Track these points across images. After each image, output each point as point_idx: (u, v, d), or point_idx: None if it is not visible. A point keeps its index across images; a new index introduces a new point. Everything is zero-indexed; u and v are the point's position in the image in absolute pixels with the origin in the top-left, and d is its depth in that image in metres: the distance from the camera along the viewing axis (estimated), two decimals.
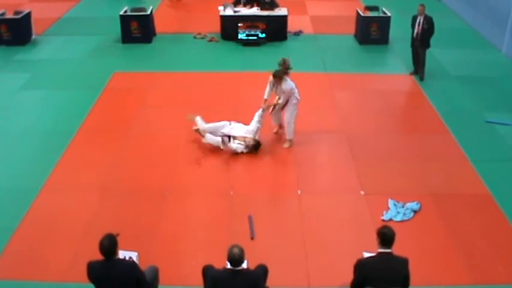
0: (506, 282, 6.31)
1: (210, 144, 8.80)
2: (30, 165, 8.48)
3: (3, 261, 6.55)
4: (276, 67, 8.83)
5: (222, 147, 8.73)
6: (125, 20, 13.53)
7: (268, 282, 5.45)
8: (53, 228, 7.11)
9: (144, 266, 5.52)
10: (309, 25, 15.07)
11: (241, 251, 4.99)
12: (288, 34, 14.07)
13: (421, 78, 11.55)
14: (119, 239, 5.16)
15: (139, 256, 5.74)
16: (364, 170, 8.40)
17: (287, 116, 8.94)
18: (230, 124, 9.00)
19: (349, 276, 5.43)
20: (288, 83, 8.70)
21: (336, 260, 6.58)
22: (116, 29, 13.79)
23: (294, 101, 8.79)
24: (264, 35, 13.56)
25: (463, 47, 13.55)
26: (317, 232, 7.07)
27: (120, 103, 10.53)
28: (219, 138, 8.75)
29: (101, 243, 5.01)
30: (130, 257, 5.60)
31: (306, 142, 9.15)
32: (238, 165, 8.57)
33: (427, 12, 11.21)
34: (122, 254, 5.36)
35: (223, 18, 13.93)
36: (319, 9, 16.60)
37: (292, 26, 14.23)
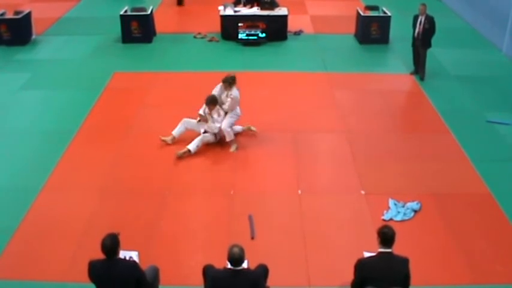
0: (506, 282, 6.30)
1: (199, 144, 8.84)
2: (30, 165, 8.48)
3: (3, 261, 6.54)
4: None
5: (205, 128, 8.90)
6: (125, 19, 13.53)
7: (269, 282, 5.45)
8: (53, 228, 7.10)
9: (144, 266, 5.51)
10: (309, 25, 15.07)
11: (242, 250, 4.98)
12: (288, 34, 14.07)
13: (422, 78, 11.55)
14: (119, 238, 5.16)
15: (139, 255, 5.74)
16: (364, 169, 8.39)
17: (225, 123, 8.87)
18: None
19: (349, 275, 5.43)
20: (235, 91, 8.85)
21: (336, 259, 6.58)
22: (116, 29, 13.79)
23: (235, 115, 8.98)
24: (264, 35, 13.56)
25: (463, 47, 13.55)
26: (317, 232, 7.07)
27: (121, 103, 10.53)
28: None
29: (103, 242, 5.01)
30: (130, 257, 5.59)
31: (306, 142, 9.15)
32: (238, 165, 8.57)
33: (426, 11, 11.20)
34: (121, 254, 5.35)
35: (224, 18, 13.93)
36: (319, 8, 16.60)
37: (292, 25, 14.24)
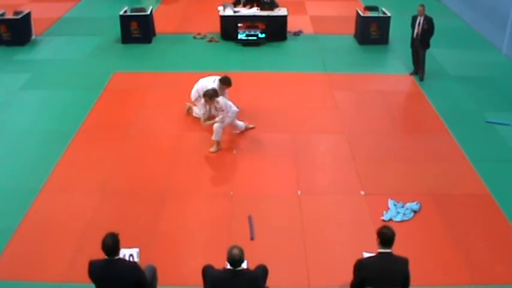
0: (505, 282, 6.31)
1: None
2: (30, 166, 8.48)
3: (3, 262, 6.54)
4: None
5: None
6: (124, 20, 13.53)
7: (268, 283, 5.46)
8: (53, 229, 7.11)
9: (143, 264, 5.53)
10: (309, 25, 15.08)
11: (241, 251, 4.99)
12: (288, 34, 14.08)
13: (421, 79, 11.56)
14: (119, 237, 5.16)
15: (140, 252, 5.74)
16: (364, 170, 8.40)
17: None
18: None
19: (349, 276, 5.44)
20: (221, 101, 8.74)
21: (336, 260, 6.58)
22: (116, 29, 13.79)
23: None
24: (263, 35, 13.56)
25: (462, 48, 13.55)
26: (317, 232, 7.08)
27: (120, 103, 10.53)
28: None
29: (104, 241, 5.01)
30: (131, 255, 5.60)
31: (306, 142, 9.15)
32: (238, 166, 8.57)
33: (426, 12, 11.22)
34: (122, 252, 5.36)
35: (223, 19, 13.94)
36: (319, 9, 16.61)
37: (292, 26, 14.24)
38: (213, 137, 8.78)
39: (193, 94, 9.60)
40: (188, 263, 6.50)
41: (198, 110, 9.48)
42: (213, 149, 8.83)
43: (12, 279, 6.28)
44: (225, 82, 9.34)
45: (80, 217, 7.31)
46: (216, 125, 8.72)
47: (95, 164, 8.50)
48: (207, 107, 8.92)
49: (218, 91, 8.93)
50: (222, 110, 8.67)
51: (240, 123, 9.28)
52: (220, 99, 8.71)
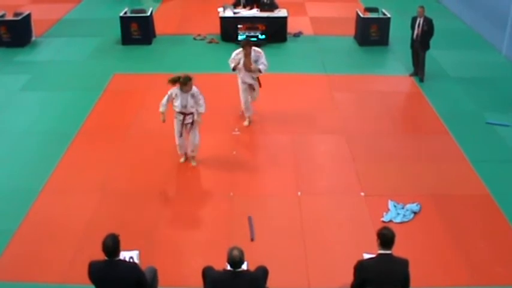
0: (505, 282, 6.31)
1: None
2: (30, 167, 8.48)
3: (3, 263, 6.55)
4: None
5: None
6: (124, 21, 13.54)
7: (269, 284, 5.45)
8: (53, 230, 7.11)
9: (143, 267, 5.52)
10: (309, 26, 15.09)
11: (241, 252, 4.98)
12: (288, 35, 14.09)
13: (421, 80, 11.56)
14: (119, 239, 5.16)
15: (139, 254, 5.74)
16: (364, 171, 8.40)
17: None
18: None
19: (349, 277, 5.43)
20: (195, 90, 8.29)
21: (336, 261, 6.58)
22: (116, 31, 13.80)
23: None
24: (263, 37, 13.57)
25: (462, 48, 13.56)
26: (317, 233, 7.07)
27: (120, 104, 10.54)
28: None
29: (104, 242, 5.01)
30: (131, 257, 5.60)
31: (305, 143, 9.15)
32: (238, 166, 8.57)
33: (426, 13, 11.23)
34: (122, 254, 5.35)
35: (223, 20, 13.95)
36: (319, 10, 16.62)
37: (292, 27, 14.25)
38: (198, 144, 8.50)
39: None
40: (188, 263, 6.51)
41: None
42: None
43: (12, 280, 6.28)
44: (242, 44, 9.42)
45: (79, 218, 7.31)
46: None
47: (94, 165, 8.50)
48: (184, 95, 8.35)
49: (246, 53, 9.10)
50: (199, 99, 8.20)
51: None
52: (196, 89, 8.23)
